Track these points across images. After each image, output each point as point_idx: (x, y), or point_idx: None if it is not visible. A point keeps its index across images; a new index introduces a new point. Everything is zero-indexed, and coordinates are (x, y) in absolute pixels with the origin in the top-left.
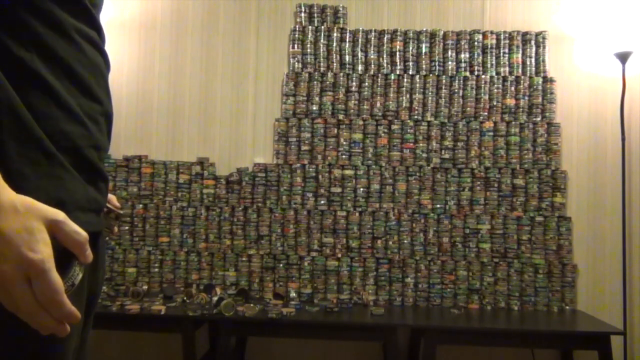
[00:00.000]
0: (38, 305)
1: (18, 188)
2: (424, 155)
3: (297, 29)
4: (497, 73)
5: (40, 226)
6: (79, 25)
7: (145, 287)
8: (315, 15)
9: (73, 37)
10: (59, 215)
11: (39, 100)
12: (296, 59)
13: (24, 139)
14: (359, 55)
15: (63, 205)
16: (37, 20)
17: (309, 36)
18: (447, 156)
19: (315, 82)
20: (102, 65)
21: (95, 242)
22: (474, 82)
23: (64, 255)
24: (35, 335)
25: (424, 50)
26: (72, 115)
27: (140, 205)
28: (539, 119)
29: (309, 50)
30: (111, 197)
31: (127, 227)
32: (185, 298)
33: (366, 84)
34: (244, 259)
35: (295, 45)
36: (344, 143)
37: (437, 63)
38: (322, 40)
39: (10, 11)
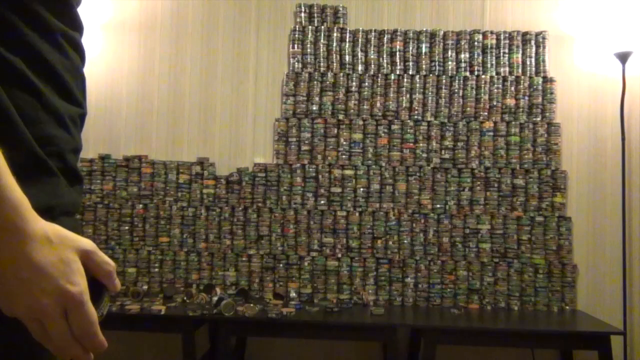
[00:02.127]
0: (72, 337)
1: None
2: (424, 155)
3: (297, 29)
4: (497, 73)
5: (75, 257)
6: (64, 27)
7: (145, 287)
8: (315, 15)
9: (58, 40)
10: (90, 245)
11: (26, 104)
12: (296, 59)
13: (14, 143)
14: (359, 55)
15: (51, 211)
16: (24, 22)
17: (309, 36)
18: (447, 156)
19: (315, 82)
20: (80, 65)
21: None
22: (474, 82)
23: (92, 285)
24: (28, 336)
25: (424, 50)
26: (57, 119)
27: (140, 205)
28: (539, 119)
29: (309, 50)
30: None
31: (127, 227)
32: (185, 298)
33: (366, 84)
34: (244, 259)
35: (295, 45)
36: (344, 143)
37: (437, 63)
38: (322, 40)
39: None
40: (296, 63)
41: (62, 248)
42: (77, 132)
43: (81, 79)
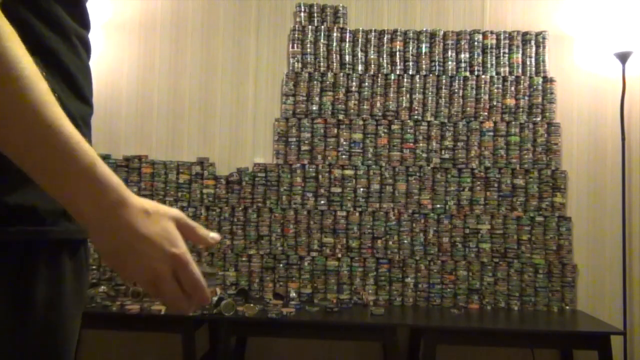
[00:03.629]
0: (182, 293)
1: (25, 195)
2: (424, 155)
3: (297, 28)
4: (497, 73)
5: (172, 224)
6: (76, 27)
7: None
8: (315, 14)
9: (72, 40)
10: (179, 213)
11: None
12: (296, 58)
13: None
14: (359, 55)
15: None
16: (40, 21)
17: (309, 36)
18: (447, 156)
19: (315, 82)
20: (87, 62)
21: (85, 245)
22: (474, 82)
23: None
24: (40, 343)
25: (424, 50)
26: (71, 121)
27: None
28: (539, 119)
29: (308, 50)
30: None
31: None
32: None
33: (366, 84)
34: (244, 259)
35: (295, 45)
36: (344, 143)
37: (437, 63)
38: (322, 40)
39: (15, 11)
40: (296, 63)
41: (159, 218)
42: (88, 132)
43: (90, 78)
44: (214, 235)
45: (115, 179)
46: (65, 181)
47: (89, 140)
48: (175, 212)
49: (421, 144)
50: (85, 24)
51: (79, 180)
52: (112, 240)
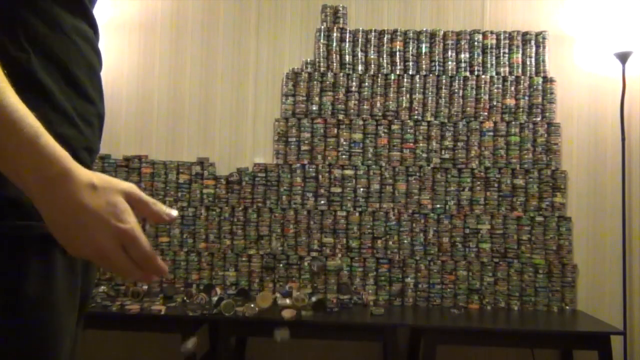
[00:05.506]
0: (134, 265)
1: (8, 189)
2: (424, 155)
3: None
4: (497, 73)
5: (120, 198)
6: (77, 23)
7: (145, 287)
8: None
9: (71, 37)
10: (132, 187)
11: (33, 103)
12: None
13: None
14: (359, 55)
15: None
16: (37, 18)
17: None
18: (447, 156)
19: (315, 82)
20: (96, 64)
21: None
22: (474, 82)
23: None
24: (29, 340)
25: (424, 50)
26: (66, 118)
27: None
28: (539, 119)
29: None
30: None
31: None
32: (185, 298)
33: (366, 84)
34: (244, 259)
35: None
36: (344, 143)
37: (437, 63)
38: (321, 40)
39: (8, 8)
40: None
41: (108, 191)
42: (90, 131)
43: (96, 77)
44: (169, 212)
45: (60, 151)
46: (9, 153)
47: (94, 141)
48: (127, 185)
49: (421, 144)
50: (90, 23)
51: (23, 152)
52: (56, 213)
